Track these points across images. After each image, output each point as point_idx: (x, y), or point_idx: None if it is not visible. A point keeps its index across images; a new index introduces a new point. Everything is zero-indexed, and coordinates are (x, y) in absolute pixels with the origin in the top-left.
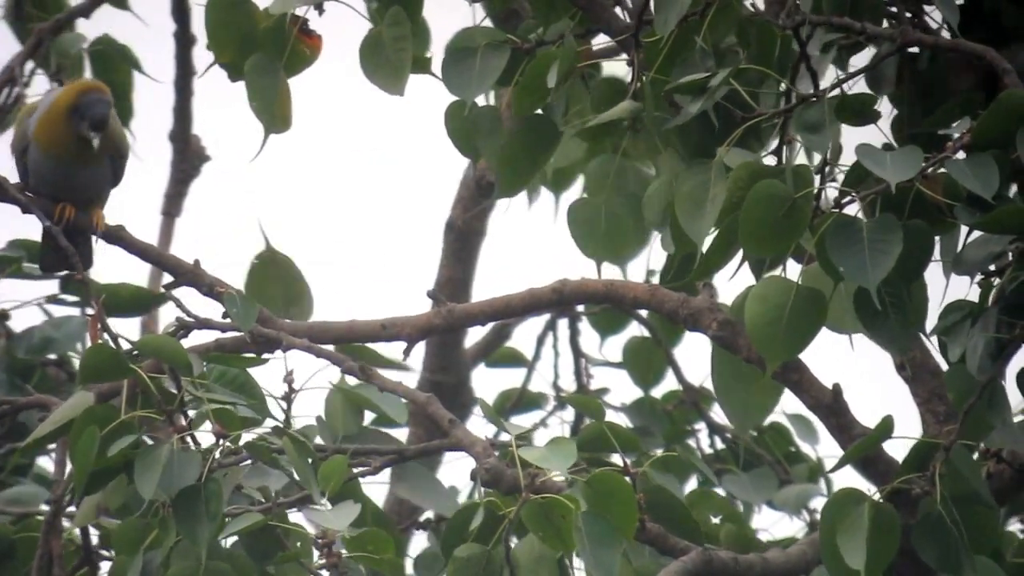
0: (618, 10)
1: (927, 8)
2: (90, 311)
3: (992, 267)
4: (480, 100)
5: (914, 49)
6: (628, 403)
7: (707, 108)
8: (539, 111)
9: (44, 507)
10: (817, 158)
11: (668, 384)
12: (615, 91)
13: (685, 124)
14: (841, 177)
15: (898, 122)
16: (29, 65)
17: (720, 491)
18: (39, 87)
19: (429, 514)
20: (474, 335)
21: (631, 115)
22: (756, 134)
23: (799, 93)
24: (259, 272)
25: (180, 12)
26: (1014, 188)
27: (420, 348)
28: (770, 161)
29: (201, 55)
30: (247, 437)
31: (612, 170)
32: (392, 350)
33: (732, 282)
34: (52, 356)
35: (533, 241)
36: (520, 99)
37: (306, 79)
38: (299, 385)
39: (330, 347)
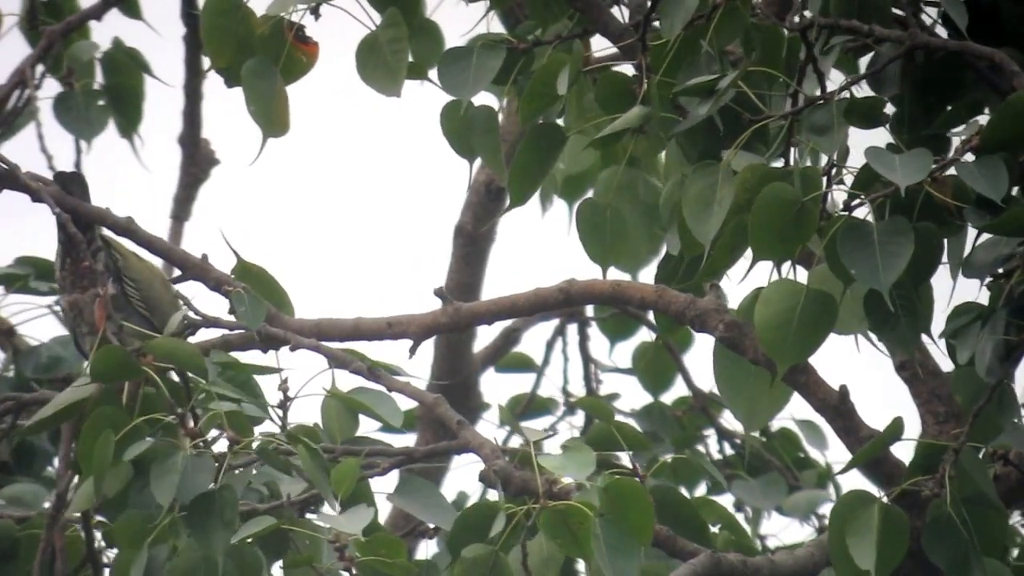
0: (618, 10)
1: (924, 7)
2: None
3: (1001, 269)
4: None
5: None
6: (638, 409)
7: (713, 112)
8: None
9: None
10: (823, 159)
11: (678, 390)
12: (620, 90)
13: (692, 127)
14: (848, 179)
15: (897, 121)
16: (40, 68)
17: (724, 499)
18: (49, 90)
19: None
20: (483, 340)
21: (641, 121)
22: (762, 137)
23: (806, 96)
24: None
25: (189, 16)
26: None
27: (428, 352)
28: (776, 164)
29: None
30: (258, 442)
31: (619, 179)
32: (398, 352)
33: (738, 284)
34: (63, 374)
35: (543, 246)
36: (527, 104)
37: (317, 83)
38: (294, 392)
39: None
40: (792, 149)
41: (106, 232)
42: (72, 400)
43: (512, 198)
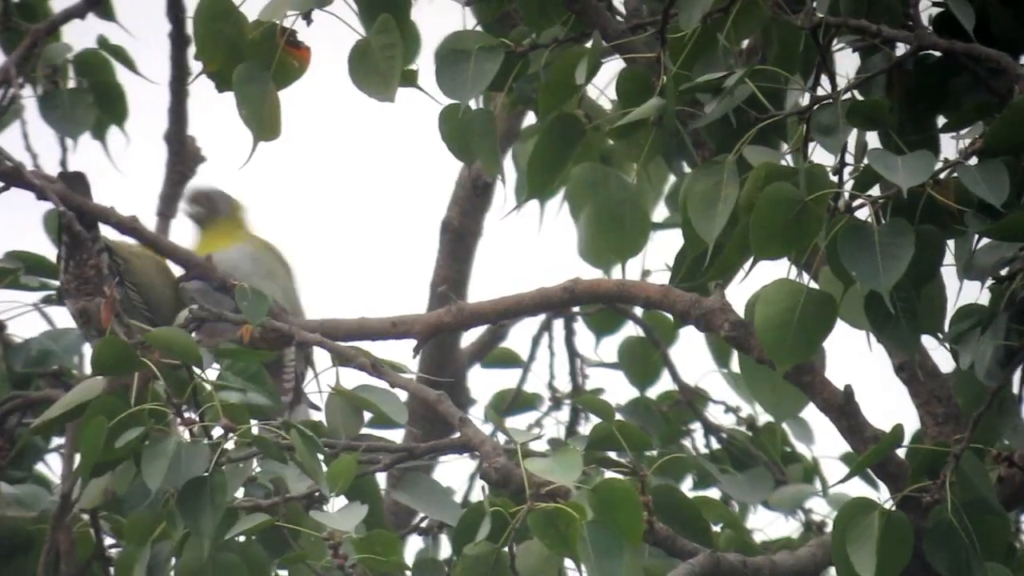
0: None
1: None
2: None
3: (1003, 272)
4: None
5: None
6: (623, 404)
7: (728, 111)
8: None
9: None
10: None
11: (663, 384)
12: (641, 85)
13: (711, 123)
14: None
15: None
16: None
17: (717, 493)
18: (27, 89)
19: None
20: (469, 335)
21: (657, 113)
22: (780, 131)
23: (813, 95)
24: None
25: (175, 13)
26: None
27: None
28: (794, 157)
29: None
30: (256, 432)
31: (593, 176)
32: (400, 351)
33: (746, 283)
34: (54, 367)
35: (529, 241)
36: (546, 98)
37: (305, 81)
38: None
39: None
40: (810, 146)
41: (108, 235)
42: (79, 400)
43: (528, 189)
